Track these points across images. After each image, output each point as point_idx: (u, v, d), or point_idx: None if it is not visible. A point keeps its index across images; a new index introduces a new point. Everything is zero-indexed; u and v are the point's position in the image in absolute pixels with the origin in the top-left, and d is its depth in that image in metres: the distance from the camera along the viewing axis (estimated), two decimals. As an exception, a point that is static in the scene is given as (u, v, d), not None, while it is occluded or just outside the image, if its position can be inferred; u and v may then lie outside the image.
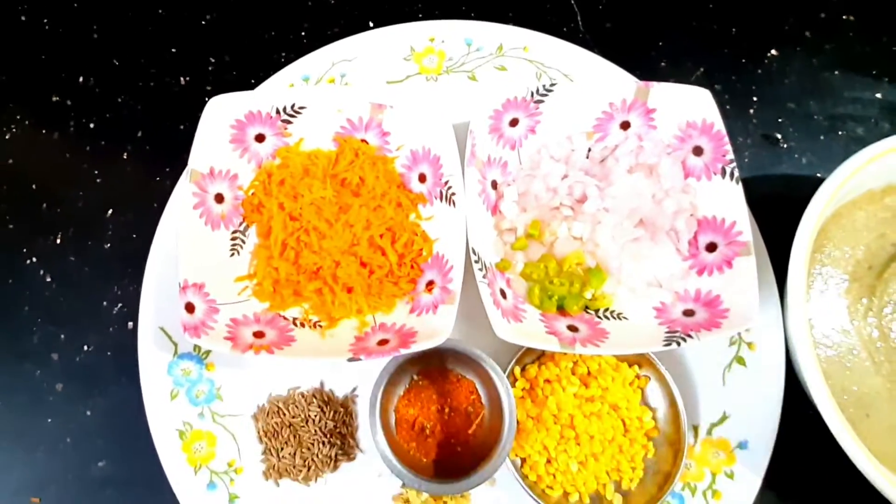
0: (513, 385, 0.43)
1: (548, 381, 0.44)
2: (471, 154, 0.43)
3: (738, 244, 0.42)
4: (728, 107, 0.51)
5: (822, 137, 0.51)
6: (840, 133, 0.50)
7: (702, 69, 0.52)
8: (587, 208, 0.45)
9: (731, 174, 0.43)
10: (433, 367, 0.45)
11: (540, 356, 0.45)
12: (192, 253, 0.42)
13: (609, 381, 0.43)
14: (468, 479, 0.39)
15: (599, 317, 0.44)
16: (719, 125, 0.43)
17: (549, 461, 0.43)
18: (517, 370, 0.44)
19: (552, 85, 0.45)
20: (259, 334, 0.41)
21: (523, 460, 0.43)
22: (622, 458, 0.42)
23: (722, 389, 0.43)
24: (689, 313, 0.42)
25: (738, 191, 0.42)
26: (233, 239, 0.45)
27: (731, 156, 0.43)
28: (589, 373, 0.44)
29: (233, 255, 0.45)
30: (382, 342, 0.41)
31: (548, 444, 0.43)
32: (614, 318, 0.44)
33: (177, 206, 0.45)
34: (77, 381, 0.46)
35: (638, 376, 0.44)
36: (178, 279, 0.40)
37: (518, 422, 0.42)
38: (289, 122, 0.46)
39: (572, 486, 0.42)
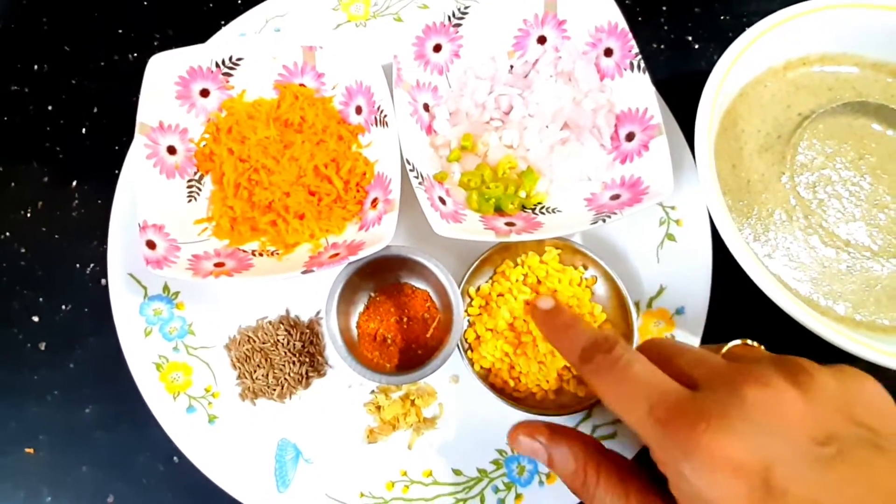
0: (469, 305, 0.45)
1: (500, 294, 0.46)
2: (397, 77, 0.46)
3: (651, 128, 0.45)
4: (640, 18, 0.55)
5: (730, 35, 0.54)
6: (746, 29, 0.53)
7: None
8: (514, 116, 0.48)
9: (639, 66, 0.46)
10: (389, 283, 0.48)
11: (491, 275, 0.47)
12: (149, 198, 0.45)
13: (556, 282, 0.46)
14: (422, 368, 0.42)
15: (535, 213, 0.47)
16: (623, 24, 0.47)
17: (511, 367, 0.46)
18: (471, 290, 0.46)
19: (467, 8, 0.48)
20: (219, 265, 0.44)
21: (488, 371, 0.46)
22: None
23: (657, 266, 0.46)
24: (615, 198, 0.45)
25: (645, 80, 0.46)
26: (189, 187, 0.48)
27: (636, 50, 0.46)
28: (539, 281, 0.47)
29: (190, 201, 0.48)
30: (333, 256, 0.44)
31: (507, 350, 0.45)
32: (549, 212, 0.47)
33: (132, 160, 0.48)
34: (58, 338, 0.49)
35: (584, 277, 0.47)
36: (138, 220, 0.43)
37: (478, 335, 0.45)
38: (230, 75, 0.49)
39: (536, 386, 0.45)
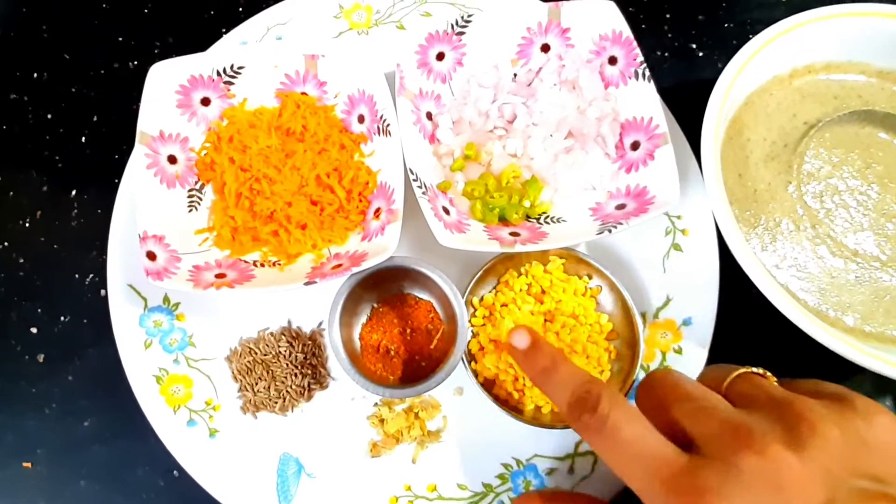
0: (472, 315, 0.45)
1: (504, 304, 0.46)
2: (400, 86, 0.46)
3: (657, 137, 0.45)
4: (644, 26, 0.55)
5: (734, 42, 0.54)
6: (750, 37, 0.53)
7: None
8: (517, 125, 0.47)
9: (644, 74, 0.46)
10: (392, 294, 0.47)
11: (495, 285, 0.47)
12: (149, 208, 0.44)
13: (560, 292, 0.45)
14: (426, 381, 0.41)
15: (540, 222, 0.46)
16: (627, 32, 0.46)
17: (515, 378, 0.45)
18: (475, 300, 0.46)
19: (470, 16, 0.48)
20: (221, 276, 0.44)
21: (492, 382, 0.45)
22: (589, 365, 0.44)
23: (663, 276, 0.46)
24: (620, 207, 0.45)
25: (650, 89, 0.45)
26: (189, 197, 0.48)
27: (640, 59, 0.46)
28: (543, 291, 0.46)
29: (191, 210, 0.47)
30: (336, 267, 0.43)
31: (511, 360, 0.45)
32: (553, 222, 0.46)
33: (132, 170, 0.47)
34: (57, 350, 0.48)
35: (589, 286, 0.46)
36: (138, 231, 0.42)
37: (481, 346, 0.44)
38: (231, 84, 0.49)
39: (542, 400, 0.44)
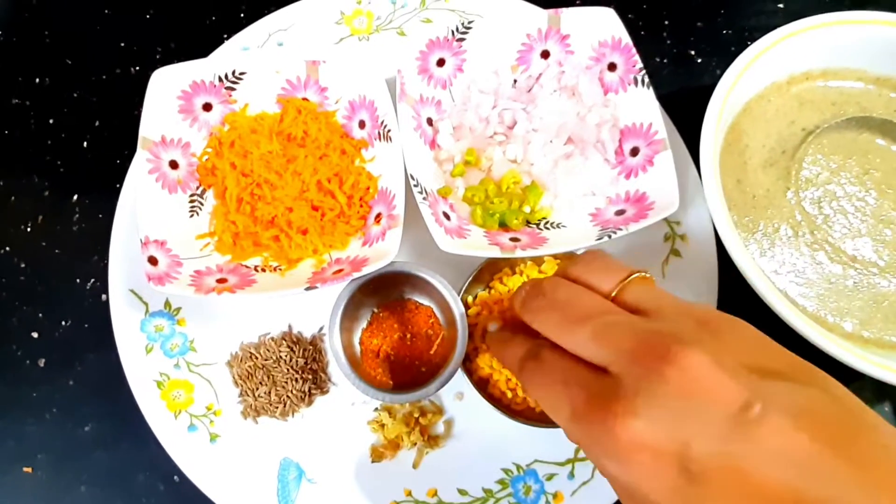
0: (466, 312, 0.45)
1: (498, 301, 0.46)
2: (401, 91, 0.46)
3: (656, 143, 0.45)
4: (643, 32, 0.55)
5: (732, 49, 0.54)
6: (748, 44, 0.53)
7: (614, 2, 0.56)
8: (517, 131, 0.48)
9: (643, 81, 0.46)
10: (392, 299, 0.47)
11: (489, 282, 0.47)
12: (151, 213, 0.44)
13: None
14: (426, 387, 0.41)
15: (540, 228, 0.46)
16: (626, 39, 0.47)
17: (508, 378, 0.45)
18: (469, 299, 0.46)
19: (470, 23, 0.48)
20: (222, 280, 0.44)
21: (486, 381, 0.45)
22: None
23: (663, 281, 0.46)
24: (620, 213, 0.45)
25: (650, 95, 0.46)
26: (191, 202, 0.48)
27: (640, 65, 0.46)
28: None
29: (192, 216, 0.47)
30: (337, 272, 0.43)
31: None
32: (553, 227, 0.46)
33: (134, 175, 0.47)
34: (58, 355, 0.48)
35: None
36: (140, 236, 0.43)
37: (475, 346, 0.44)
38: (232, 89, 0.49)
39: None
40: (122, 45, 0.57)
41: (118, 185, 0.50)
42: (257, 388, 0.45)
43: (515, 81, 0.50)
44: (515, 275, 0.46)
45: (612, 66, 0.48)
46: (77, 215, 0.52)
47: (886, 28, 0.46)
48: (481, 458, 0.44)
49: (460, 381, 0.44)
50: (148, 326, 0.46)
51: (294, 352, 0.46)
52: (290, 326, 0.47)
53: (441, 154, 0.48)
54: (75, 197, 0.52)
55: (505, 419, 0.43)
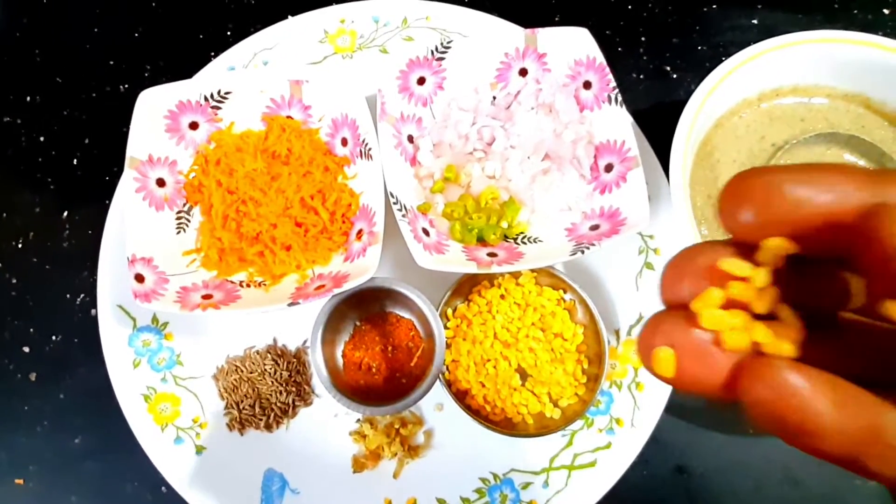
0: (445, 325, 0.46)
1: (477, 314, 0.47)
2: (381, 111, 0.47)
3: (629, 160, 0.46)
4: (619, 49, 0.56)
5: (707, 64, 0.56)
6: (723, 59, 0.54)
7: (592, 20, 0.57)
8: (496, 148, 0.49)
9: (616, 99, 0.47)
10: (374, 312, 0.48)
11: (468, 294, 0.48)
12: (138, 231, 0.45)
13: (535, 297, 0.47)
14: (405, 399, 0.42)
15: (517, 243, 0.48)
16: (601, 59, 0.48)
17: (485, 394, 0.46)
18: (448, 311, 0.47)
19: (449, 42, 0.49)
20: (207, 297, 0.45)
21: (465, 393, 0.46)
22: (562, 377, 0.46)
23: (636, 295, 0.47)
24: (594, 228, 0.46)
25: (623, 113, 0.47)
26: (178, 219, 0.49)
27: (613, 84, 0.47)
28: (517, 304, 0.48)
29: (179, 232, 0.49)
30: (319, 287, 0.45)
31: (482, 371, 0.46)
32: (530, 242, 0.48)
33: (121, 194, 0.49)
34: (49, 369, 0.49)
35: (562, 300, 0.48)
36: (127, 254, 0.44)
37: (454, 358, 0.46)
38: (218, 108, 0.50)
39: (513, 410, 0.46)
40: (112, 63, 0.58)
41: (108, 202, 0.51)
42: (242, 401, 0.46)
43: (494, 98, 0.51)
44: (493, 287, 0.47)
45: (587, 84, 0.49)
46: (67, 231, 0.53)
47: (854, 47, 0.47)
48: (460, 467, 0.45)
49: (440, 392, 0.46)
50: (136, 341, 0.47)
51: (279, 365, 0.47)
52: (274, 339, 0.49)
53: (421, 171, 0.49)
54: (65, 213, 0.53)
55: (483, 429, 0.44)
